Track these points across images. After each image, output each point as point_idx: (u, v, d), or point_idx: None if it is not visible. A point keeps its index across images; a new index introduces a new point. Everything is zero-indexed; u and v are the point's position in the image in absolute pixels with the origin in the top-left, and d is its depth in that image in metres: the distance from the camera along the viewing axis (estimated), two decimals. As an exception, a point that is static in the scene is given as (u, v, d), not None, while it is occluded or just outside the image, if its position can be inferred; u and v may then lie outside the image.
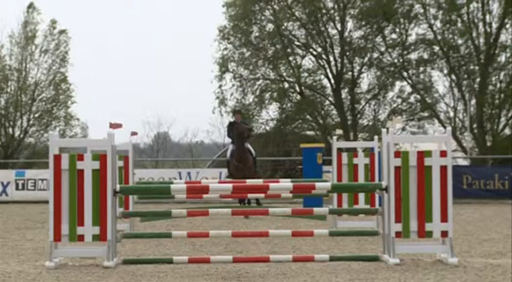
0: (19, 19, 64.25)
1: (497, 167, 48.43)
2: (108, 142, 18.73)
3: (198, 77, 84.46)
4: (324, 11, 61.46)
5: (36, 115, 63.75)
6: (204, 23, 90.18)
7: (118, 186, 18.66)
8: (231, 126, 31.11)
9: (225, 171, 51.57)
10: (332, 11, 61.56)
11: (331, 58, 61.58)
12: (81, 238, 18.17)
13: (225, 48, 62.26)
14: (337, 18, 61.46)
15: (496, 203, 41.25)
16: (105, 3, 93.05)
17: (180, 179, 44.84)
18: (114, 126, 21.31)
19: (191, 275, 16.46)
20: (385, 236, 18.38)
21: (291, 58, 62.06)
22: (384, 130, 18.26)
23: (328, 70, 61.64)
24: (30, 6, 64.42)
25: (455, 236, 18.81)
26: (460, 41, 59.50)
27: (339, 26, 61.43)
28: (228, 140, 44.43)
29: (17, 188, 49.31)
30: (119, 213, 19.68)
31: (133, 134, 27.98)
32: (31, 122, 63.72)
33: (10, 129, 63.34)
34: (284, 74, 62.10)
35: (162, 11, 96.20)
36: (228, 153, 31.89)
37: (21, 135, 63.52)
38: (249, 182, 22.94)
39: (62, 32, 64.41)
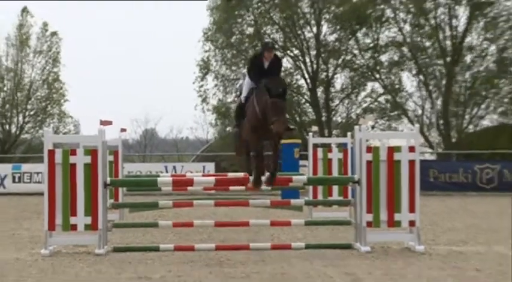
0: (14, 22, 64.12)
1: (461, 162, 48.55)
2: (99, 138, 18.91)
3: (184, 76, 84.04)
4: (300, 15, 61.45)
5: (32, 113, 63.63)
6: (190, 25, 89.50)
7: (108, 179, 18.90)
8: (255, 67, 17.85)
9: (210, 165, 51.72)
10: (308, 16, 61.55)
11: (307, 59, 61.61)
12: (74, 227, 18.33)
13: (208, 50, 62.21)
14: (313, 22, 61.42)
15: (460, 195, 41.40)
16: (94, 6, 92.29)
17: (166, 172, 44.85)
18: (105, 123, 21.43)
19: (176, 262, 16.66)
20: (357, 226, 18.63)
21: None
22: (356, 127, 18.48)
23: (304, 71, 61.68)
24: (24, 10, 64.23)
25: (421, 225, 19.02)
26: (427, 44, 59.61)
27: (314, 29, 61.41)
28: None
29: (13, 181, 49.26)
30: (109, 204, 19.97)
31: (123, 130, 27.97)
32: (27, 119, 63.58)
33: (7, 126, 63.26)
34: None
35: (150, 13, 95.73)
36: (245, 92, 18.43)
37: (18, 132, 63.42)
38: (230, 175, 22.99)
39: (54, 33, 64.20)
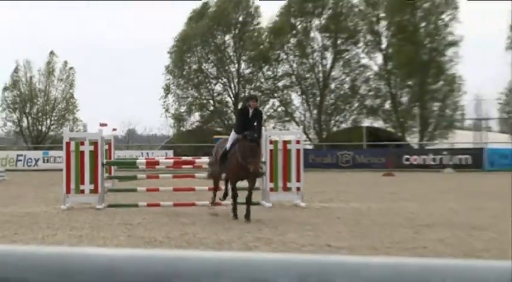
0: (44, 60, 63.68)
1: (329, 150, 48.98)
2: (98, 134, 19.08)
3: (154, 92, 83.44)
4: (227, 56, 61.65)
5: (55, 118, 63.39)
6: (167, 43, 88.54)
7: (104, 161, 18.92)
8: (242, 115, 16.13)
9: (170, 152, 51.73)
10: (232, 57, 61.70)
11: (232, 85, 61.69)
12: (82, 191, 18.42)
13: (168, 78, 62.32)
14: (235, 61, 61.52)
15: (328, 171, 41.65)
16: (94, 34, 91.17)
17: (142, 157, 44.51)
18: (102, 125, 21.26)
19: (149, 213, 16.64)
20: (263, 190, 18.66)
21: (208, 85, 62.18)
22: (263, 129, 18.52)
23: (230, 92, 61.80)
24: (51, 52, 63.76)
25: (304, 190, 19.09)
26: (307, 75, 59.96)
27: (236, 66, 61.49)
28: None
29: (43, 162, 49.05)
30: (105, 176, 19.81)
31: (114, 129, 27.90)
32: (52, 123, 63.36)
33: (39, 127, 63.11)
34: (204, 94, 62.26)
35: (139, 32, 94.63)
36: (229, 143, 16.10)
37: (47, 131, 63.22)
38: (183, 158, 22.99)
39: (71, 68, 63.80)
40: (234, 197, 15.83)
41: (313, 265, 1.19)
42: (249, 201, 15.46)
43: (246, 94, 58.64)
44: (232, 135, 16.12)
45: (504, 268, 1.18)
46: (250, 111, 15.77)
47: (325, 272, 1.17)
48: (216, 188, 17.35)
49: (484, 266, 1.19)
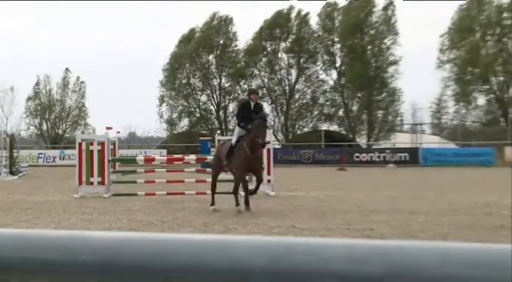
0: (61, 75, 63.57)
1: (294, 149, 48.96)
2: (105, 136, 18.88)
3: (153, 99, 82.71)
4: (210, 72, 61.66)
5: (70, 124, 63.21)
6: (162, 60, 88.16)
7: (110, 158, 18.71)
8: (244, 108, 14.56)
9: (164, 151, 51.64)
10: (215, 73, 61.71)
11: (214, 96, 61.66)
12: (92, 183, 18.24)
13: (163, 91, 62.25)
14: (217, 76, 61.53)
15: (293, 167, 41.71)
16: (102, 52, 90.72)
17: (141, 154, 44.36)
18: (108, 128, 21.15)
19: (146, 200, 16.55)
20: (240, 182, 18.59)
21: (195, 96, 62.14)
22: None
23: (213, 101, 61.75)
24: (67, 69, 63.57)
25: (274, 182, 19.06)
26: (276, 87, 60.09)
27: (218, 80, 61.49)
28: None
29: (60, 159, 48.64)
30: (111, 170, 19.65)
31: (118, 132, 28.07)
32: (67, 127, 63.12)
33: (56, 130, 62.84)
34: (191, 103, 62.20)
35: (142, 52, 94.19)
36: (234, 138, 14.34)
37: (63, 133, 62.94)
38: (175, 156, 22.87)
39: (82, 82, 63.62)
40: (246, 186, 13.89)
41: (281, 246, 1.18)
42: (253, 193, 13.84)
43: (230, 104, 58.78)
44: (237, 130, 14.36)
45: (432, 248, 1.17)
46: (252, 104, 14.26)
47: (291, 252, 1.16)
48: (214, 189, 15.04)
49: (415, 246, 1.18)
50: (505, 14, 55.43)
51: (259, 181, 13.84)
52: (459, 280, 1.09)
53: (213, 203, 14.57)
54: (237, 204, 14.11)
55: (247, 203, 13.81)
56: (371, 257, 1.10)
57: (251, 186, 14.10)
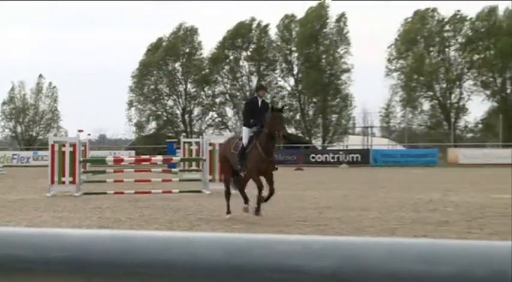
0: (35, 81, 63.19)
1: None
2: (76, 138, 18.69)
3: (123, 103, 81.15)
4: (176, 79, 61.69)
5: (43, 126, 62.67)
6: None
7: (81, 159, 18.50)
8: (251, 106, 12.44)
9: (132, 152, 51.21)
10: (181, 79, 61.80)
11: (180, 101, 61.69)
12: (63, 182, 18.01)
13: (132, 96, 61.91)
14: (183, 82, 61.63)
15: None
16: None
17: (110, 155, 43.88)
18: (80, 131, 20.90)
19: (115, 199, 16.39)
20: (204, 181, 18.56)
21: (162, 100, 62.01)
22: (204, 134, 18.44)
23: (179, 106, 61.77)
24: (40, 75, 63.15)
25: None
26: (238, 93, 60.43)
27: (184, 86, 61.55)
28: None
29: (33, 160, 47.86)
30: (82, 170, 19.40)
31: (88, 134, 27.69)
32: (40, 129, 62.49)
33: (30, 133, 62.26)
34: (159, 108, 61.99)
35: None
36: (245, 139, 12.06)
37: (36, 136, 62.25)
38: (142, 157, 22.71)
39: (54, 87, 63.09)
40: (260, 188, 11.88)
41: (241, 242, 1.18)
42: (269, 197, 11.82)
43: (195, 108, 58.67)
44: (245, 131, 12.13)
45: (380, 243, 1.17)
46: (259, 102, 12.13)
47: (250, 247, 1.16)
48: (229, 194, 12.71)
49: (365, 241, 1.19)
50: (446, 27, 56.45)
51: (271, 190, 11.81)
52: (406, 274, 1.10)
53: (228, 211, 12.26)
54: (246, 201, 12.20)
55: (258, 209, 11.78)
56: (325, 251, 1.11)
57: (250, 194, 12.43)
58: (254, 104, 12.23)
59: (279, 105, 12.01)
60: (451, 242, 1.16)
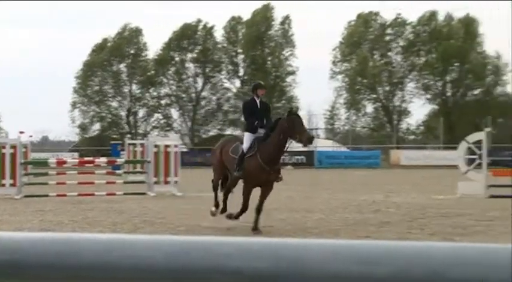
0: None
1: (200, 152, 48.78)
2: (18, 140, 18.31)
3: (66, 104, 79.42)
4: (121, 80, 61.05)
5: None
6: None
7: (22, 160, 18.14)
8: (249, 107, 11.11)
9: (75, 154, 50.37)
10: (126, 80, 61.12)
11: (125, 102, 61.10)
12: (3, 185, 17.64)
13: (75, 97, 60.94)
14: (128, 83, 60.98)
15: (199, 169, 41.55)
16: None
17: (53, 157, 43.11)
18: (21, 132, 20.46)
19: (57, 202, 16.12)
20: (149, 183, 18.43)
21: (106, 102, 61.29)
22: (149, 136, 18.32)
23: (124, 108, 61.16)
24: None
25: (181, 183, 18.95)
26: (183, 95, 60.18)
27: (129, 87, 60.88)
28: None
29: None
30: (23, 172, 18.99)
31: (30, 136, 27.22)
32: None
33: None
34: (103, 109, 61.19)
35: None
36: (246, 143, 10.69)
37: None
38: (86, 159, 22.41)
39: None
40: (243, 211, 10.90)
41: (180, 244, 1.19)
42: (259, 210, 10.72)
43: (140, 110, 57.97)
44: (247, 136, 10.89)
45: (322, 245, 1.19)
46: (258, 101, 10.97)
47: (189, 249, 1.17)
48: (217, 189, 12.03)
49: (306, 243, 1.20)
50: (388, 30, 57.50)
51: (263, 198, 10.83)
52: (346, 275, 1.12)
53: (216, 203, 11.65)
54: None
55: (231, 216, 11.06)
56: (263, 253, 1.12)
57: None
58: (253, 105, 11.00)
59: (293, 108, 10.75)
60: (391, 243, 1.18)
